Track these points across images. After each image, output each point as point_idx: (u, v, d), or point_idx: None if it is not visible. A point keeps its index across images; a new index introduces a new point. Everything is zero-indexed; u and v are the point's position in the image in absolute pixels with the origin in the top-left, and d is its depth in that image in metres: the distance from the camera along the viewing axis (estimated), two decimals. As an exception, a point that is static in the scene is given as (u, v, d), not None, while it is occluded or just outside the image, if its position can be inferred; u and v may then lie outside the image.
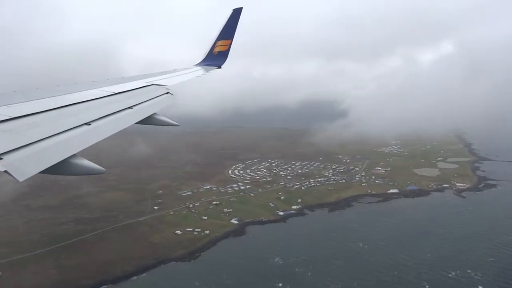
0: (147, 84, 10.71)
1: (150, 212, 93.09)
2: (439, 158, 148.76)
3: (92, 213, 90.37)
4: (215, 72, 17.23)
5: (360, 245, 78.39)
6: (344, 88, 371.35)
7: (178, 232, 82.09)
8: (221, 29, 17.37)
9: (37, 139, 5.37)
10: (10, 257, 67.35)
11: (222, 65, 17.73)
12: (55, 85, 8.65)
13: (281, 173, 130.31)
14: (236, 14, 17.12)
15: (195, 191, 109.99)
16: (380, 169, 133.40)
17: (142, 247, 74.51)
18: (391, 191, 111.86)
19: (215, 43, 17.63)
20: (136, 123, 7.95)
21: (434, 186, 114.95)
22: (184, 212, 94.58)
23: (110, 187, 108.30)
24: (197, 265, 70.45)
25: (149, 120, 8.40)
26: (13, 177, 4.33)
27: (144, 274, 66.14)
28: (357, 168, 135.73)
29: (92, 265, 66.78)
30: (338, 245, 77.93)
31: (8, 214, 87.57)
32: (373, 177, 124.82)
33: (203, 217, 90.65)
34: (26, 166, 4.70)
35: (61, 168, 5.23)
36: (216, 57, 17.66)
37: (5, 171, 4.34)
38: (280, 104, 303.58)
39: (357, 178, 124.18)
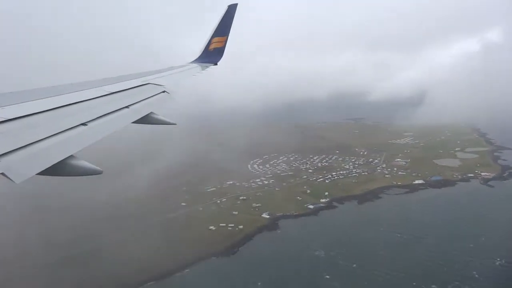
0: (143, 83, 10.64)
1: (179, 209, 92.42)
2: (457, 149, 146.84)
3: (123, 211, 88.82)
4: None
5: (398, 235, 77.55)
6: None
7: (212, 227, 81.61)
8: (216, 25, 17.19)
9: (34, 141, 5.35)
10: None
11: (218, 61, 17.60)
12: (51, 85, 8.57)
13: (301, 167, 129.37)
14: (232, 10, 16.99)
15: (219, 186, 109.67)
16: (400, 161, 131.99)
17: (180, 244, 73.80)
18: (417, 182, 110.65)
19: (210, 39, 17.46)
20: (133, 122, 7.94)
21: (459, 176, 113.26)
22: (213, 207, 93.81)
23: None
24: (238, 259, 69.86)
25: (146, 119, 8.36)
26: (10, 179, 4.30)
27: (186, 270, 65.24)
28: (376, 160, 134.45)
29: (134, 263, 65.55)
30: (376, 236, 77.27)
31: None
32: (395, 169, 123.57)
33: (233, 212, 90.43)
34: (23, 168, 4.70)
35: (59, 169, 5.24)
36: (212, 54, 17.50)
37: (2, 174, 4.30)
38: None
39: (379, 170, 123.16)
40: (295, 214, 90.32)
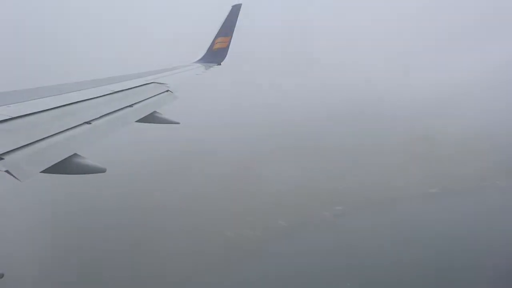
0: (147, 82, 10.73)
1: (191, 214, 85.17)
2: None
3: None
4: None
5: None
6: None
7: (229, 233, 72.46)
8: (220, 26, 17.46)
9: (38, 139, 5.38)
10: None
11: (222, 61, 17.83)
12: (55, 84, 8.69)
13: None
14: (235, 10, 17.19)
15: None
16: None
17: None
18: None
19: (214, 40, 17.70)
20: (137, 121, 8.02)
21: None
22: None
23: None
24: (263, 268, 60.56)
25: (149, 119, 8.47)
26: (15, 177, 4.34)
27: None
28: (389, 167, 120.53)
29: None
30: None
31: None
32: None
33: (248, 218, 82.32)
34: (27, 166, 4.74)
35: (62, 167, 5.29)
36: (216, 54, 17.72)
37: (6, 171, 4.34)
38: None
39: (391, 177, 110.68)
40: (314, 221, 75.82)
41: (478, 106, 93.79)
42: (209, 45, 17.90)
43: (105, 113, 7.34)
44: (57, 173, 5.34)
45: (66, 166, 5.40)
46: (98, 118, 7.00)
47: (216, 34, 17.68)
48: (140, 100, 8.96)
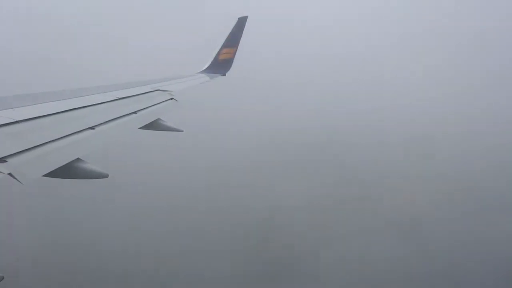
0: (152, 90, 10.84)
1: None
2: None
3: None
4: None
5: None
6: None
7: None
8: (226, 37, 17.78)
9: (41, 143, 5.42)
10: None
11: (226, 72, 18.01)
12: (60, 89, 8.78)
13: None
14: (242, 22, 17.58)
15: None
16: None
17: None
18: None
19: (220, 50, 17.97)
20: (140, 128, 8.07)
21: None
22: None
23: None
24: None
25: (153, 126, 8.53)
26: (17, 180, 4.37)
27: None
28: None
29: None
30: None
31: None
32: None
33: None
34: (30, 169, 4.78)
35: (65, 171, 5.33)
36: (221, 65, 17.94)
37: (9, 174, 4.36)
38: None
39: None
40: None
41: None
42: (214, 55, 18.11)
43: (109, 119, 7.40)
44: (59, 177, 5.37)
45: (68, 171, 5.44)
46: (102, 123, 7.04)
47: (222, 45, 17.96)
48: (144, 107, 9.02)
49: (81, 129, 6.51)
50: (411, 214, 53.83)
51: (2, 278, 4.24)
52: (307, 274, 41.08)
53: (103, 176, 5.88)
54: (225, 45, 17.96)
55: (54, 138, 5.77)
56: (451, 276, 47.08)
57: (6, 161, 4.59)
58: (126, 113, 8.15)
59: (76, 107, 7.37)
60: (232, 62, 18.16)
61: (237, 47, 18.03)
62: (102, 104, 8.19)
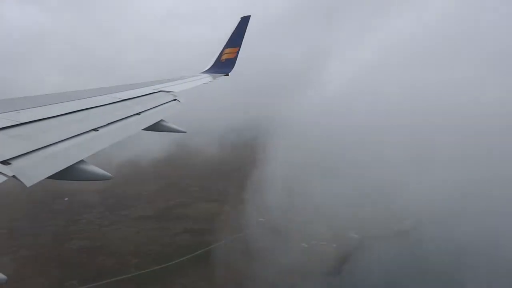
0: (155, 91, 10.84)
1: (259, 224, 79.76)
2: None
3: (200, 224, 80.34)
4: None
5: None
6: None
7: (304, 245, 71.23)
8: (229, 37, 17.65)
9: (45, 145, 5.48)
10: (147, 268, 61.29)
11: (229, 72, 17.92)
12: (64, 91, 8.80)
13: None
14: (244, 22, 17.38)
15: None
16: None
17: (281, 260, 64.27)
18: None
19: (223, 50, 17.90)
20: (143, 129, 8.07)
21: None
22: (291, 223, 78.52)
23: (198, 198, 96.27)
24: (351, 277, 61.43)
25: (156, 127, 8.51)
26: (21, 182, 4.42)
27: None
28: None
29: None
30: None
31: (113, 224, 79.79)
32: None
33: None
34: (34, 171, 4.80)
35: (69, 173, 5.36)
36: (223, 65, 17.89)
37: (13, 176, 4.41)
38: None
39: None
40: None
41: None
42: (217, 55, 18.08)
43: (113, 120, 7.41)
44: (63, 179, 5.38)
45: (72, 173, 5.45)
46: (105, 125, 7.06)
47: (225, 45, 17.85)
48: (147, 108, 9.03)
49: (85, 131, 6.52)
50: None
51: (6, 280, 4.23)
52: None
53: (107, 178, 5.88)
54: (227, 45, 17.87)
55: (57, 140, 5.80)
56: None
57: (10, 163, 4.64)
58: (130, 114, 8.15)
59: (80, 109, 7.38)
60: (235, 62, 18.08)
61: (240, 47, 17.90)
62: (106, 106, 8.20)
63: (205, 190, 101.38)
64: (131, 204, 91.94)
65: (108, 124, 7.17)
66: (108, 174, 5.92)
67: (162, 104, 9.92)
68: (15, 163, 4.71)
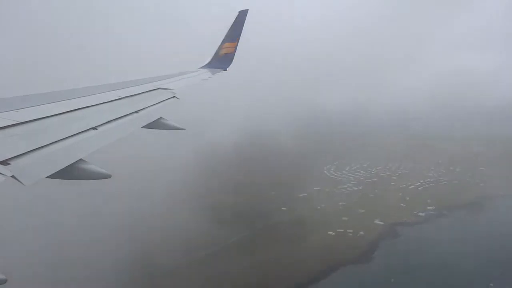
0: (154, 88, 10.79)
1: (282, 214, 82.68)
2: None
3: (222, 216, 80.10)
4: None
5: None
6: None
7: (331, 233, 73.68)
8: (227, 31, 17.46)
9: (44, 144, 5.46)
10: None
11: (228, 67, 17.77)
12: (62, 89, 8.79)
13: (381, 173, 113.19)
14: (242, 16, 17.21)
15: (309, 192, 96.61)
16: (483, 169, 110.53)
17: (304, 251, 66.27)
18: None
19: (221, 45, 17.73)
20: (142, 127, 8.07)
21: None
22: (317, 213, 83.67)
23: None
24: (374, 268, 62.01)
25: (155, 125, 8.52)
26: (20, 182, 4.44)
27: (322, 281, 58.67)
28: (458, 169, 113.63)
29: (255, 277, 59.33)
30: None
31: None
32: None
33: (343, 217, 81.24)
34: (33, 171, 4.82)
35: (68, 172, 5.35)
36: (222, 59, 17.73)
37: (12, 176, 4.42)
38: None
39: (468, 179, 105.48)
40: (408, 221, 79.33)
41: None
42: (215, 50, 17.91)
43: (111, 119, 7.37)
44: (62, 179, 5.36)
45: (71, 172, 5.43)
46: (104, 123, 7.03)
47: (223, 40, 17.66)
48: (146, 106, 9.00)
49: (84, 129, 6.48)
50: None
51: (5, 281, 4.20)
52: None
53: (106, 176, 5.86)
54: (225, 40, 17.70)
55: (56, 140, 5.77)
56: None
57: (9, 163, 4.62)
58: (128, 112, 8.12)
59: (78, 107, 7.33)
60: (233, 56, 17.90)
61: (238, 41, 17.71)
62: (104, 104, 8.15)
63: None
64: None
65: (107, 122, 7.13)
66: (107, 172, 5.88)
67: (161, 101, 9.87)
68: (14, 163, 4.69)
